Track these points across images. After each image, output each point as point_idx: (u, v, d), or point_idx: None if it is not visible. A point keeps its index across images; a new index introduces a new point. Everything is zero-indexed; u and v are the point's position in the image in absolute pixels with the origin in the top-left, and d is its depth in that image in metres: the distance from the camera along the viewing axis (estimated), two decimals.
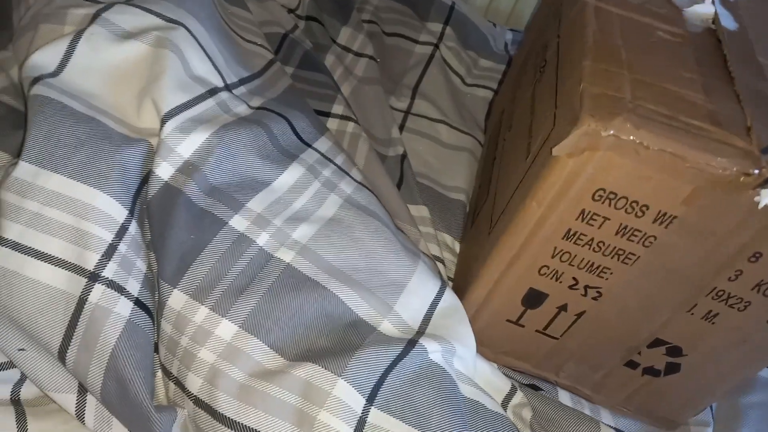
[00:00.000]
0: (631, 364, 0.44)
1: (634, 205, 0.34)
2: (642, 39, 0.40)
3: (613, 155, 0.32)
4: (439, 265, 0.52)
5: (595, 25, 0.40)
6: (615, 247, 0.37)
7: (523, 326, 0.45)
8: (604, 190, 0.34)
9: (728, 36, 0.41)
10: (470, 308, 0.45)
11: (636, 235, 0.36)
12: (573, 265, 0.39)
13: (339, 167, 0.48)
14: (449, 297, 0.45)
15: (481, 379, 0.44)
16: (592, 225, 0.36)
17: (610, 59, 0.37)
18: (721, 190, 0.32)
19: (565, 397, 0.48)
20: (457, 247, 0.57)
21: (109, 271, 0.37)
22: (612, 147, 0.32)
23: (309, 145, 0.48)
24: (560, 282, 0.40)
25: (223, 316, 0.37)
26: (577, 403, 0.48)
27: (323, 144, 0.50)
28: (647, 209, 0.34)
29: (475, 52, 0.75)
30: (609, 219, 0.35)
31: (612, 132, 0.32)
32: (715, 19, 0.43)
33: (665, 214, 0.34)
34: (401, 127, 0.66)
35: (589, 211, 0.35)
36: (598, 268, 0.38)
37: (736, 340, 0.39)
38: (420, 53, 0.72)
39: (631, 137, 0.32)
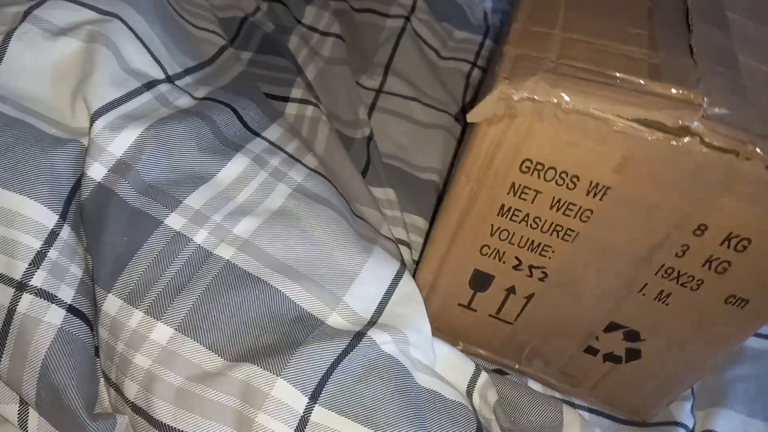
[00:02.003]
0: (591, 351, 0.41)
1: (563, 176, 0.32)
2: None
3: (533, 121, 0.30)
4: (404, 249, 0.50)
5: None
6: (552, 223, 0.34)
7: (475, 311, 0.43)
8: (530, 160, 0.32)
9: None
10: (421, 292, 0.43)
11: (571, 209, 0.33)
12: (513, 244, 0.37)
13: (290, 155, 0.47)
14: (406, 283, 0.43)
15: (444, 364, 0.43)
16: (525, 199, 0.34)
17: (544, 20, 0.34)
18: (655, 154, 0.30)
19: (536, 384, 0.46)
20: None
21: (38, 280, 0.36)
22: (530, 112, 0.30)
23: (257, 134, 0.46)
24: (504, 262, 0.38)
25: (158, 320, 0.36)
26: (547, 389, 0.46)
27: (274, 132, 0.48)
28: (578, 180, 0.32)
29: (449, 23, 0.72)
30: (541, 192, 0.33)
31: (525, 94, 0.29)
32: None
33: (597, 185, 0.32)
34: (373, 106, 0.64)
35: (519, 185, 0.33)
36: (539, 246, 0.36)
37: (696, 323, 0.36)
38: (391, 27, 0.69)
39: (549, 98, 0.29)
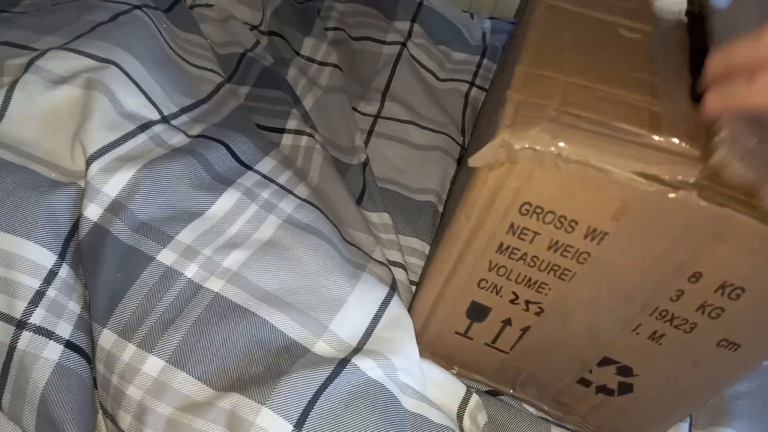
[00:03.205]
0: (584, 382, 0.42)
1: (562, 220, 0.32)
2: (594, 38, 0.37)
3: (534, 168, 0.31)
4: (400, 271, 0.51)
5: (543, 26, 0.38)
6: (550, 263, 0.35)
7: (471, 339, 0.43)
8: (530, 203, 0.33)
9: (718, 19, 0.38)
10: (419, 318, 0.44)
11: (569, 251, 0.34)
12: (511, 280, 0.37)
13: (281, 186, 0.48)
14: (394, 307, 0.44)
15: (435, 387, 0.43)
16: (523, 239, 0.35)
17: (548, 63, 0.34)
18: (653, 204, 0.30)
19: (529, 409, 0.46)
20: (428, 249, 0.56)
21: (37, 317, 0.38)
22: (531, 159, 0.30)
23: (249, 168, 0.48)
24: (501, 296, 0.39)
25: (149, 352, 0.38)
26: (540, 413, 0.46)
27: (266, 164, 0.49)
28: (576, 224, 0.32)
29: (446, 45, 0.73)
30: (539, 234, 0.34)
31: (527, 144, 0.30)
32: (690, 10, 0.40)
33: (595, 230, 0.32)
34: (370, 132, 0.65)
35: (518, 225, 0.34)
36: (535, 283, 0.37)
37: (688, 362, 0.36)
38: (388, 53, 0.70)
39: (550, 149, 0.30)
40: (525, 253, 0.36)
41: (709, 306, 0.33)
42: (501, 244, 0.36)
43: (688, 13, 0.40)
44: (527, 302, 0.39)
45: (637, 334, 0.37)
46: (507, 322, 0.41)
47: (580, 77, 0.34)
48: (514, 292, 0.38)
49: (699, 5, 0.40)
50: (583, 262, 0.34)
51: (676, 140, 0.30)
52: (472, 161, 0.32)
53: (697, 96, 0.32)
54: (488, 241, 0.36)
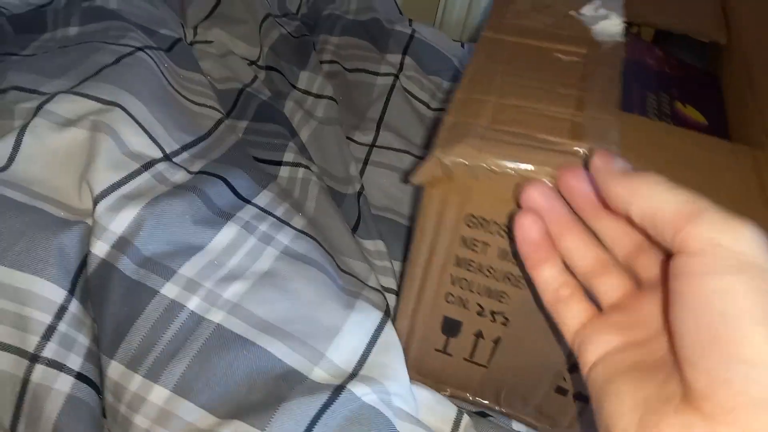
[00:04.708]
0: (561, 391, 0.43)
1: (504, 228, 0.35)
2: (528, 63, 0.40)
3: (470, 181, 0.33)
4: (394, 297, 0.53)
5: (482, 56, 0.41)
6: (504, 271, 0.37)
7: (451, 355, 0.45)
8: (473, 215, 0.35)
9: None
10: (400, 337, 0.46)
11: (517, 258, 0.36)
12: (473, 292, 0.39)
13: (279, 218, 0.50)
14: (387, 332, 0.46)
15: (426, 410, 0.45)
16: (476, 251, 0.37)
17: (482, 88, 0.37)
18: None
19: (520, 425, 0.48)
20: None
21: (49, 351, 0.40)
22: (465, 173, 0.33)
23: (248, 201, 0.50)
24: (468, 309, 0.41)
25: (155, 382, 0.40)
26: (531, 429, 0.47)
27: (264, 198, 0.52)
28: None
29: (438, 75, 0.76)
30: (488, 244, 0.36)
31: (455, 159, 0.33)
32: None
33: None
34: (366, 161, 0.68)
35: (468, 238, 0.36)
36: (495, 293, 0.39)
37: None
38: (382, 85, 0.73)
39: (479, 162, 0.32)
40: (480, 264, 0.38)
41: None
42: (457, 258, 0.38)
43: (627, 33, 0.42)
44: (492, 313, 0.40)
45: None
46: (479, 335, 0.43)
47: (510, 97, 0.36)
48: (479, 304, 0.40)
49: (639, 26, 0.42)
50: None
51: (593, 144, 0.32)
52: (414, 179, 0.35)
53: (628, 106, 0.34)
54: (446, 256, 0.38)
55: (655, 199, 0.25)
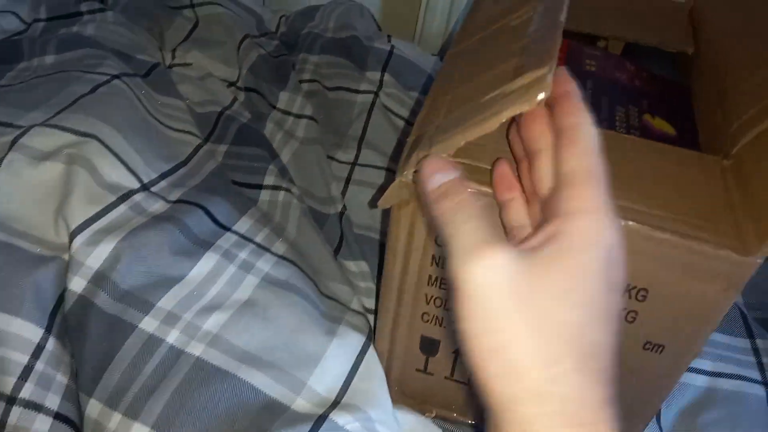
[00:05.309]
0: None
1: None
2: (485, 49, 0.38)
3: None
4: None
5: (441, 74, 0.40)
6: None
7: (432, 374, 0.45)
8: None
9: None
10: (381, 358, 0.46)
11: None
12: (448, 309, 0.39)
13: (258, 245, 0.50)
14: (370, 357, 0.46)
15: None
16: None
17: (442, 90, 0.37)
18: None
19: None
20: None
21: (26, 392, 0.40)
22: None
23: (227, 229, 0.50)
24: (444, 327, 0.41)
25: (134, 420, 0.39)
26: None
27: (244, 224, 0.52)
28: None
29: (417, 91, 0.76)
30: None
31: (411, 177, 0.32)
32: None
33: None
34: (348, 180, 0.67)
35: (439, 256, 0.36)
36: None
37: (623, 369, 0.37)
38: (362, 102, 0.73)
39: None
40: None
41: (624, 310, 0.35)
42: (430, 277, 0.38)
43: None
44: None
45: None
46: (457, 352, 0.43)
47: (465, 86, 0.35)
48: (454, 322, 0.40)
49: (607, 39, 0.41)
50: None
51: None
52: (381, 203, 0.35)
53: (596, 121, 0.31)
54: (418, 275, 0.39)
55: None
